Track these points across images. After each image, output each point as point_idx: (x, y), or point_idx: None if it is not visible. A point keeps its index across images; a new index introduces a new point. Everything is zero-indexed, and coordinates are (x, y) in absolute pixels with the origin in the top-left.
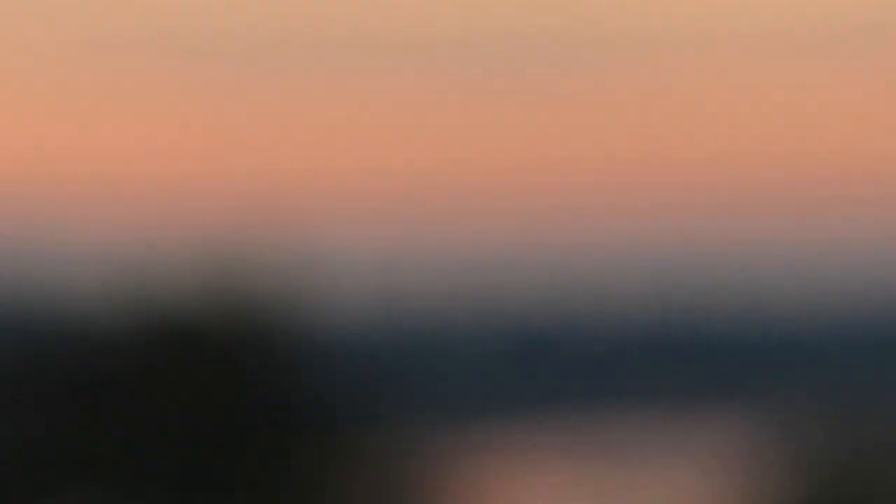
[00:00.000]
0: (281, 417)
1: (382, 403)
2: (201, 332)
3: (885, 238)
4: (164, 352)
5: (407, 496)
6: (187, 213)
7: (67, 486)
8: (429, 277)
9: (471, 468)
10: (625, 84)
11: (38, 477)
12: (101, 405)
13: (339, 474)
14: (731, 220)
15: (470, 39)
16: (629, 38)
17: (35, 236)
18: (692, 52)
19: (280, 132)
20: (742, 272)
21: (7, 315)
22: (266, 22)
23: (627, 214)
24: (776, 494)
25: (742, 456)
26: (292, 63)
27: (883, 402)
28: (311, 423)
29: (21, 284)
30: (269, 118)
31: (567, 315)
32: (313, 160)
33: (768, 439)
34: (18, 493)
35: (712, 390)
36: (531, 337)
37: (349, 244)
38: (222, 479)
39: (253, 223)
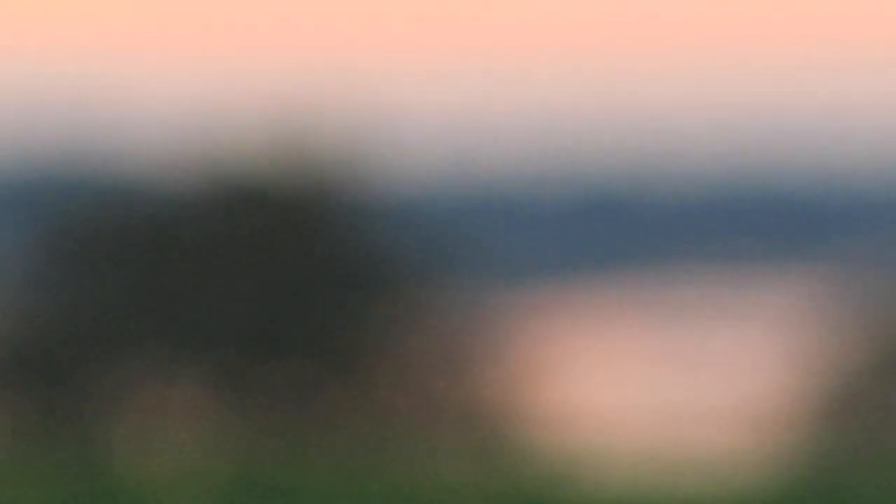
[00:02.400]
0: (345, 278)
1: (447, 264)
2: (268, 194)
3: None
4: (230, 214)
5: (470, 356)
6: (255, 75)
7: (133, 348)
8: (495, 138)
9: (534, 330)
10: None
11: (104, 340)
12: (166, 267)
13: (402, 334)
14: (799, 78)
15: None
16: None
17: (106, 98)
18: None
19: None
20: (811, 131)
21: (76, 177)
22: None
23: (695, 75)
24: (844, 355)
25: (810, 316)
26: None
27: None
28: (376, 284)
29: (90, 146)
30: None
31: (634, 176)
32: (380, 20)
33: (836, 299)
34: (86, 356)
35: (780, 250)
36: (598, 198)
37: (415, 104)
38: (287, 340)
39: (321, 84)
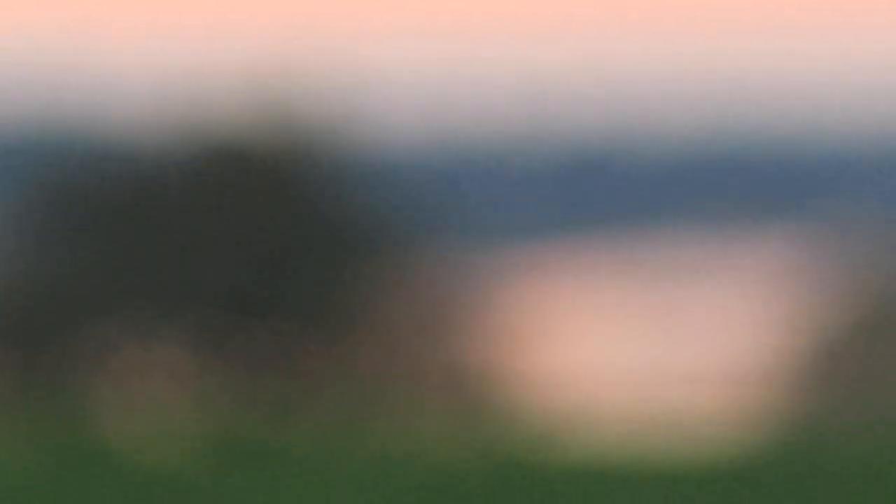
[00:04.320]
0: (328, 239)
1: (431, 225)
2: (249, 155)
3: None
4: (212, 175)
5: (455, 317)
6: (237, 35)
7: (115, 309)
8: (479, 97)
9: (518, 291)
10: None
11: (86, 301)
12: (148, 228)
13: (385, 295)
14: (779, 35)
15: None
16: None
17: (85, 60)
18: None
19: None
20: (793, 87)
21: (57, 139)
22: None
23: (675, 33)
24: (826, 314)
25: (792, 276)
26: None
27: None
28: (358, 244)
29: (70, 108)
30: None
31: (616, 136)
32: None
33: (818, 259)
34: (68, 317)
35: (762, 210)
36: (580, 158)
37: (396, 64)
38: (268, 301)
39: (302, 44)
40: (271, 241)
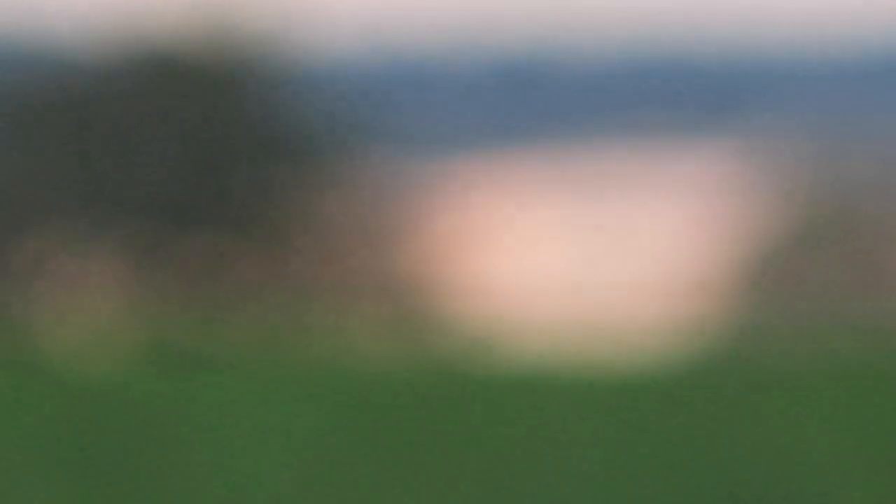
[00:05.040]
0: (265, 149)
1: (367, 136)
2: (188, 63)
3: None
4: (149, 85)
5: (390, 227)
6: None
7: (51, 219)
8: (415, 9)
9: (453, 202)
10: None
11: (21, 210)
12: (85, 138)
13: (321, 202)
14: None
15: None
16: None
17: None
18: None
19: None
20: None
21: None
22: None
23: None
24: (762, 224)
25: (725, 188)
26: None
27: (869, 134)
28: (295, 153)
29: (7, 18)
30: None
31: (553, 51)
32: None
33: (751, 171)
34: (2, 226)
35: (696, 123)
36: (514, 70)
37: None
38: (206, 211)
39: None
40: (208, 150)
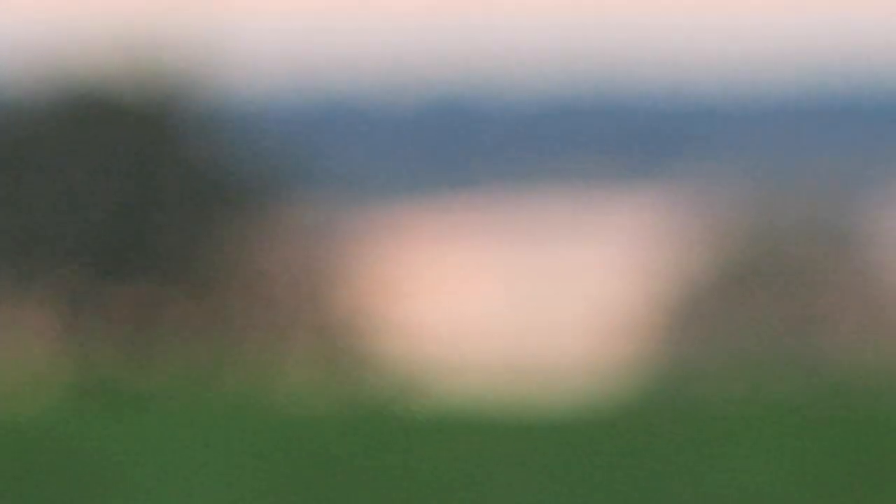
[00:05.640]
0: (194, 193)
1: (299, 180)
2: (116, 105)
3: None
4: (77, 124)
5: (322, 271)
6: None
7: None
8: (349, 48)
9: (386, 245)
10: None
11: None
12: (14, 181)
13: (252, 249)
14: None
15: None
16: None
17: None
18: None
19: None
20: (659, 41)
21: None
22: None
23: None
24: (693, 266)
25: (656, 230)
26: None
27: (799, 178)
28: (229, 197)
29: None
30: None
31: (486, 92)
32: None
33: (682, 216)
34: None
35: (630, 165)
36: (448, 111)
37: (265, 16)
38: (136, 251)
39: None
40: (137, 194)
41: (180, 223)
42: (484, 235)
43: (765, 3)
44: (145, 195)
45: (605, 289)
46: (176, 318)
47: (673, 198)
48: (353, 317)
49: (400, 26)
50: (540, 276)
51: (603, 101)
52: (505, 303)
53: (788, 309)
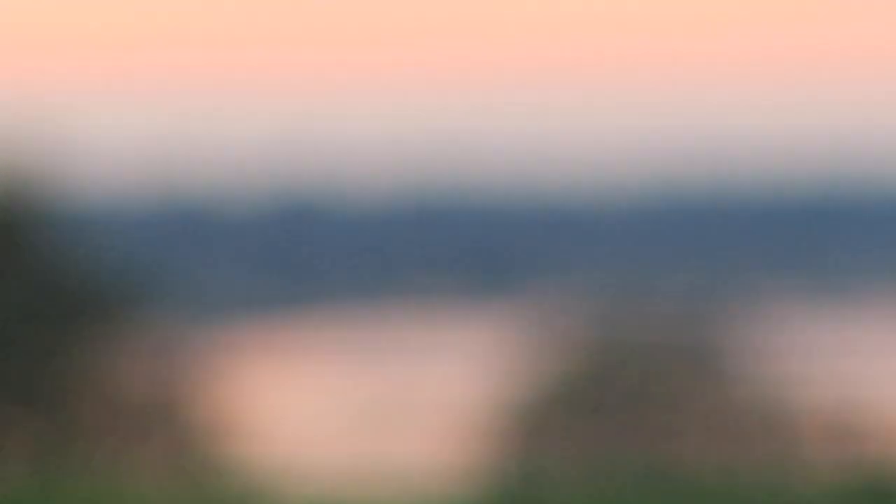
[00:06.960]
0: (40, 308)
1: (147, 294)
2: None
3: (659, 114)
4: None
5: (165, 388)
6: None
7: None
8: (198, 157)
9: (229, 363)
10: None
11: None
12: None
13: (97, 361)
14: (493, 92)
15: None
16: None
17: None
18: None
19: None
20: (509, 156)
21: None
22: None
23: (382, 87)
24: (543, 383)
25: (509, 348)
26: None
27: (651, 290)
28: (73, 310)
29: None
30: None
31: (330, 197)
32: (77, 45)
33: (528, 332)
34: None
35: (477, 284)
36: (291, 217)
37: (120, 126)
38: None
39: (19, 106)
40: None
41: (27, 336)
42: (331, 349)
43: (617, 111)
44: None
45: (454, 397)
46: (26, 431)
47: (520, 310)
48: (205, 425)
49: (252, 134)
50: (389, 387)
51: (453, 212)
52: (354, 411)
53: (635, 418)
